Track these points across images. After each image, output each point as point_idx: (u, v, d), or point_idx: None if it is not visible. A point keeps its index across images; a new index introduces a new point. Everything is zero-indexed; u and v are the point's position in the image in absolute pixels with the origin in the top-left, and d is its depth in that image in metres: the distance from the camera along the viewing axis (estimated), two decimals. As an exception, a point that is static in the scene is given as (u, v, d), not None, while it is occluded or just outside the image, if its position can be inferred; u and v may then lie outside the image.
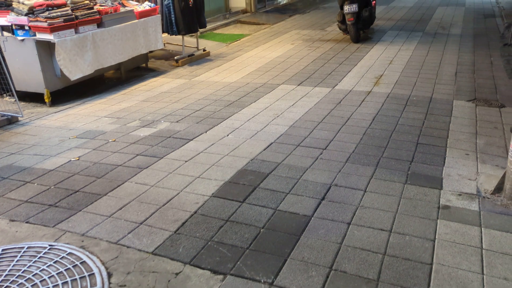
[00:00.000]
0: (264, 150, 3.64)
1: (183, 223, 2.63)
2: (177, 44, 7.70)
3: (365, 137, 3.86)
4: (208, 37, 9.18)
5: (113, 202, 2.90)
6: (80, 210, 2.82)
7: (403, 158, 3.41)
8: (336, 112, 4.53)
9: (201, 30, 7.70)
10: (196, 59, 7.30)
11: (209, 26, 9.88)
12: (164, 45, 7.81)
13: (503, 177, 2.70)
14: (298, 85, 5.62)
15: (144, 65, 6.84)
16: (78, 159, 3.61)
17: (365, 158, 3.44)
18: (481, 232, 2.42)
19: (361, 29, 8.05)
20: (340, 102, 4.86)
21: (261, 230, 2.54)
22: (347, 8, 7.60)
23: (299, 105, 4.82)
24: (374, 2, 8.63)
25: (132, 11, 6.13)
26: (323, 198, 2.85)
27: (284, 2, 13.95)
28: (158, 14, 6.51)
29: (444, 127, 4.05)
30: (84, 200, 2.95)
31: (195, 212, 2.74)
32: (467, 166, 3.25)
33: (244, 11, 11.81)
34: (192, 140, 3.92)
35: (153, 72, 6.66)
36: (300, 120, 4.34)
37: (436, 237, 2.40)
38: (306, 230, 2.52)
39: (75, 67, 5.29)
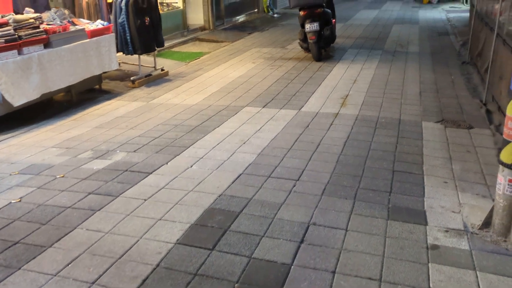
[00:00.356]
0: (233, 183, 3.34)
1: (144, 281, 2.26)
2: (133, 64, 7.29)
3: (339, 165, 3.64)
4: (166, 56, 8.82)
5: (60, 255, 2.49)
6: (20, 268, 2.39)
7: (381, 189, 3.20)
8: (305, 137, 4.30)
9: (158, 48, 7.34)
10: (154, 79, 6.92)
11: (167, 44, 9.52)
12: (120, 64, 7.37)
13: (491, 211, 2.54)
14: (263, 107, 5.38)
15: (97, 86, 6.38)
16: (20, 201, 3.15)
17: (342, 189, 3.20)
18: (477, 277, 2.22)
19: (323, 48, 7.97)
20: (308, 126, 4.65)
21: (235, 285, 2.22)
22: (308, 27, 7.50)
23: (266, 129, 4.56)
24: (334, 20, 8.61)
25: (83, 30, 5.70)
26: (302, 241, 2.57)
27: (242, 19, 13.82)
28: (112, 32, 6.11)
29: (417, 151, 3.91)
30: (25, 254, 2.52)
31: (158, 265, 2.38)
32: (448, 196, 3.09)
33: (202, 28, 11.55)
34: (151, 173, 3.55)
35: (108, 94, 6.22)
36: (269, 147, 4.07)
37: (431, 286, 2.17)
38: (287, 282, 2.22)
39: (18, 91, 4.79)
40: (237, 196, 3.12)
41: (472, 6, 8.61)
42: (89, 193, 3.23)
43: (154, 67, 7.16)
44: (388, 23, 12.73)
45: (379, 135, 4.33)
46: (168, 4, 10.29)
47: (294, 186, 3.28)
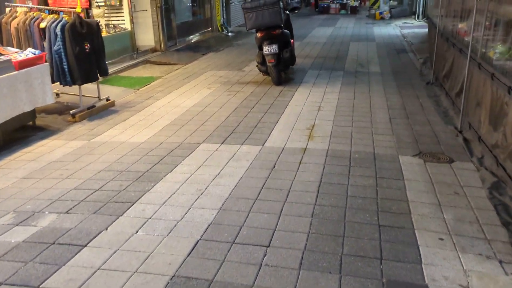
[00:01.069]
0: (189, 255, 2.69)
1: None
2: (74, 94, 6.49)
3: (315, 220, 3.08)
4: (113, 82, 8.05)
5: None
6: None
7: (369, 254, 2.66)
8: (273, 183, 3.73)
9: (102, 77, 6.59)
10: (97, 111, 6.16)
11: (114, 69, 8.76)
12: (58, 95, 6.57)
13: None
14: (222, 143, 4.77)
15: (31, 123, 5.55)
16: None
17: (323, 258, 2.64)
18: None
19: (283, 70, 7.50)
20: (274, 166, 4.08)
21: None
22: (266, 49, 7.01)
23: (227, 173, 3.95)
24: (293, 41, 8.19)
25: (9, 60, 4.90)
26: None
27: (196, 39, 13.24)
28: (45, 62, 5.33)
29: (401, 196, 3.43)
30: None
31: None
32: (448, 261, 2.59)
33: (153, 50, 10.85)
34: (86, 246, 2.84)
35: (43, 132, 5.40)
36: (231, 198, 3.46)
37: None
38: None
39: None
40: (193, 277, 2.47)
41: (431, 23, 8.46)
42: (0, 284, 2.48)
43: (98, 97, 6.40)
44: (345, 40, 12.55)
45: (355, 175, 3.83)
46: (115, 26, 9.54)
47: (265, 255, 2.67)
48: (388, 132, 4.99)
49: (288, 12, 7.86)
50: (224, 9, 15.53)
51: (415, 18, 17.00)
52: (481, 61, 4.39)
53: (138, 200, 3.47)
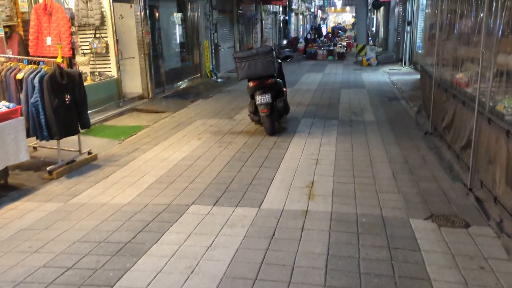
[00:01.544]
0: None
1: None
2: (52, 148, 6.04)
3: (327, 308, 2.62)
4: (96, 132, 7.64)
5: None
6: None
7: None
8: (274, 256, 3.28)
9: (83, 130, 6.17)
10: (78, 166, 5.70)
11: (98, 117, 8.39)
12: (35, 149, 6.13)
13: None
14: (214, 204, 4.33)
15: (2, 182, 5.06)
16: None
17: None
18: None
19: (276, 120, 7.19)
20: (274, 234, 3.64)
21: None
22: (259, 99, 6.73)
23: (221, 244, 3.49)
24: (285, 89, 7.97)
25: (-20, 114, 4.49)
26: None
27: (185, 85, 13.03)
28: (20, 116, 4.92)
29: (421, 273, 3.00)
30: None
31: None
32: None
33: (141, 97, 10.54)
34: None
35: (15, 192, 4.90)
36: (227, 278, 2.99)
37: None
38: None
39: None
40: None
41: (424, 72, 8.35)
42: None
43: (79, 150, 5.97)
44: (335, 87, 12.45)
45: (365, 245, 3.41)
46: (100, 74, 9.25)
47: None
48: (393, 189, 4.62)
49: (280, 61, 7.67)
50: (213, 55, 15.49)
51: (402, 65, 17.17)
52: (491, 116, 4.12)
53: (116, 282, 2.98)
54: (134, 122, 8.54)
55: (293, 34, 32.11)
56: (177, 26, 13.23)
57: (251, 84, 6.84)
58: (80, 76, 5.48)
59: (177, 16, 13.20)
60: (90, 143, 6.71)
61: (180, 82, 12.97)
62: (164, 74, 11.76)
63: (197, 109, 9.71)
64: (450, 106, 5.71)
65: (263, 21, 24.12)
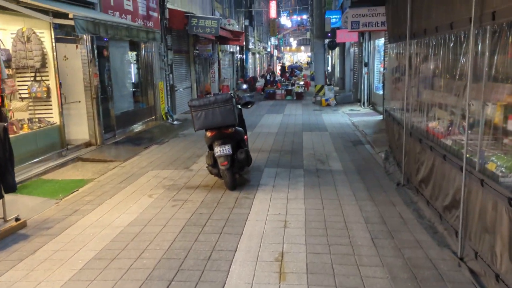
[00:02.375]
0: None
1: None
2: (-30, 214, 5.04)
3: None
4: (31, 189, 6.64)
5: None
6: None
7: None
8: None
9: (8, 194, 5.22)
10: (1, 237, 4.72)
11: (36, 170, 7.40)
12: None
13: None
14: (165, 291, 3.52)
15: None
16: None
17: None
18: None
19: (237, 173, 6.52)
20: (240, 338, 2.88)
21: None
22: (218, 150, 6.06)
23: None
24: (246, 137, 7.36)
25: None
26: None
27: (138, 129, 12.17)
28: None
29: None
30: None
31: None
32: None
33: (87, 144, 9.59)
34: None
35: None
36: None
37: None
38: None
39: None
40: None
41: (389, 117, 8.02)
42: None
43: (4, 217, 4.99)
44: (296, 130, 12.02)
45: None
46: (40, 120, 8.29)
47: None
48: (375, 261, 3.99)
49: (240, 107, 7.09)
50: (169, 96, 14.81)
51: (360, 105, 17.17)
52: (484, 177, 3.63)
53: None
54: (78, 175, 7.58)
55: (250, 73, 32.12)
56: (129, 66, 12.52)
57: (208, 133, 6.18)
58: (5, 131, 4.61)
59: (130, 57, 12.51)
60: (21, 204, 5.75)
61: (133, 126, 12.12)
62: (114, 118, 10.90)
63: (150, 157, 8.89)
64: (427, 158, 5.26)
65: (221, 61, 23.86)
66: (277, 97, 22.15)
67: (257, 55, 41.64)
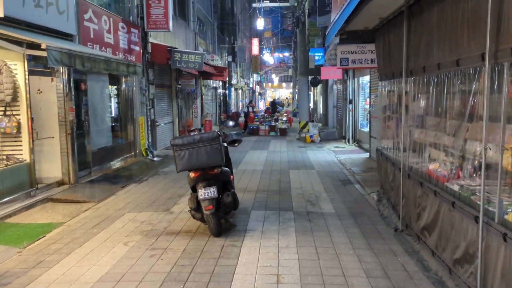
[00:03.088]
0: None
1: None
2: None
3: None
4: (-9, 235, 5.94)
5: None
6: None
7: None
8: None
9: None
10: None
11: (0, 213, 6.69)
12: None
13: None
14: None
15: None
16: None
17: None
18: None
19: (223, 217, 5.98)
20: None
21: None
22: (202, 193, 5.54)
23: None
24: (233, 177, 6.87)
25: None
26: None
27: (117, 166, 11.54)
28: None
29: None
30: None
31: None
32: None
33: (60, 183, 8.92)
34: None
35: None
36: None
37: None
38: None
39: None
40: None
41: (382, 156, 7.67)
42: None
43: (-47, 272, 4.31)
44: (283, 167, 11.59)
45: None
46: (8, 157, 7.65)
47: None
48: (385, 327, 3.48)
49: (226, 145, 6.64)
50: (149, 131, 14.28)
51: (345, 142, 16.94)
52: (507, 231, 3.21)
53: None
54: (46, 218, 6.91)
55: (233, 108, 31.94)
56: (109, 101, 12.02)
57: (192, 174, 5.67)
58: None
59: (110, 90, 12.04)
60: (-24, 254, 5.05)
61: (111, 162, 11.49)
62: (91, 154, 10.29)
63: (127, 197, 8.27)
64: (430, 204, 4.85)
65: (203, 96, 23.58)
66: (261, 133, 21.85)
67: (240, 91, 41.70)
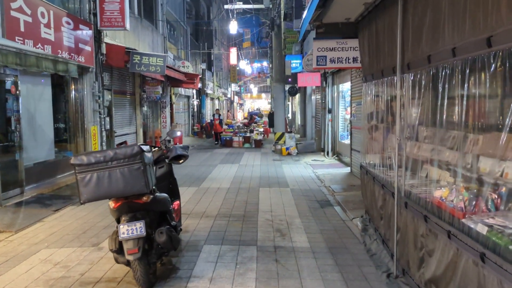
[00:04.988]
0: None
1: None
2: None
3: None
4: None
5: None
6: None
7: None
8: None
9: None
10: None
11: None
12: None
13: None
14: None
15: None
16: None
17: None
18: None
19: (156, 262, 4.41)
20: None
21: None
22: (125, 231, 3.97)
23: None
24: (178, 203, 5.34)
25: None
26: None
27: (59, 183, 9.81)
28: None
29: None
30: None
31: None
32: None
33: (-26, 207, 7.19)
34: None
35: None
36: None
37: None
38: None
39: None
40: None
41: (367, 175, 6.26)
42: None
43: None
44: (252, 185, 10.09)
45: None
46: None
47: None
48: None
49: (168, 161, 5.12)
50: (104, 143, 12.60)
51: (324, 155, 15.57)
52: None
53: None
54: None
55: (208, 119, 30.39)
56: (51, 108, 10.33)
57: (112, 204, 4.09)
58: None
59: (55, 96, 10.35)
60: None
61: (52, 179, 9.78)
62: (23, 171, 8.59)
63: (55, 225, 6.62)
64: (442, 250, 3.41)
65: (174, 105, 21.99)
66: (234, 145, 20.37)
67: (216, 101, 40.19)
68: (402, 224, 4.40)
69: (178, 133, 6.15)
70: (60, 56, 9.30)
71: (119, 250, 4.11)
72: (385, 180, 5.16)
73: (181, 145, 5.29)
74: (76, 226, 6.61)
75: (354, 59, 7.10)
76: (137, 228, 3.96)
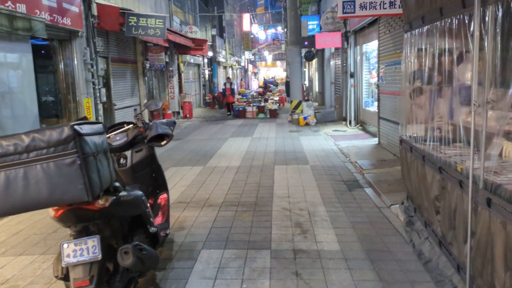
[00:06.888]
0: None
1: None
2: None
3: None
4: None
5: None
6: None
7: None
8: None
9: None
10: None
11: None
12: None
13: None
14: None
15: None
16: None
17: None
18: None
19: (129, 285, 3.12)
20: None
21: None
22: (70, 253, 2.66)
23: None
24: (166, 196, 4.02)
25: None
26: None
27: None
28: None
29: None
30: None
31: None
32: None
33: None
34: None
35: None
36: None
37: None
38: None
39: None
40: None
41: (408, 150, 4.81)
42: None
43: None
44: (266, 162, 8.74)
45: None
46: None
47: None
48: None
49: (146, 143, 3.77)
50: (100, 116, 11.33)
51: (346, 125, 14.06)
52: None
53: None
54: None
55: (220, 88, 28.89)
56: (34, 79, 9.02)
57: (53, 212, 2.76)
58: None
59: (32, 64, 9.02)
60: None
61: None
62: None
63: (23, 222, 5.42)
64: None
65: (182, 74, 20.54)
66: (248, 115, 18.96)
67: (230, 70, 38.50)
68: (480, 229, 2.99)
69: (160, 104, 4.91)
70: (38, 16, 7.90)
71: (65, 277, 2.81)
72: (445, 162, 3.73)
73: (164, 120, 3.91)
74: (46, 223, 5.39)
75: (391, 4, 5.52)
76: (88, 248, 2.64)
